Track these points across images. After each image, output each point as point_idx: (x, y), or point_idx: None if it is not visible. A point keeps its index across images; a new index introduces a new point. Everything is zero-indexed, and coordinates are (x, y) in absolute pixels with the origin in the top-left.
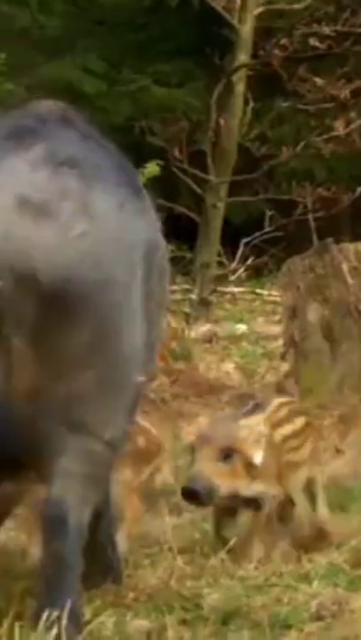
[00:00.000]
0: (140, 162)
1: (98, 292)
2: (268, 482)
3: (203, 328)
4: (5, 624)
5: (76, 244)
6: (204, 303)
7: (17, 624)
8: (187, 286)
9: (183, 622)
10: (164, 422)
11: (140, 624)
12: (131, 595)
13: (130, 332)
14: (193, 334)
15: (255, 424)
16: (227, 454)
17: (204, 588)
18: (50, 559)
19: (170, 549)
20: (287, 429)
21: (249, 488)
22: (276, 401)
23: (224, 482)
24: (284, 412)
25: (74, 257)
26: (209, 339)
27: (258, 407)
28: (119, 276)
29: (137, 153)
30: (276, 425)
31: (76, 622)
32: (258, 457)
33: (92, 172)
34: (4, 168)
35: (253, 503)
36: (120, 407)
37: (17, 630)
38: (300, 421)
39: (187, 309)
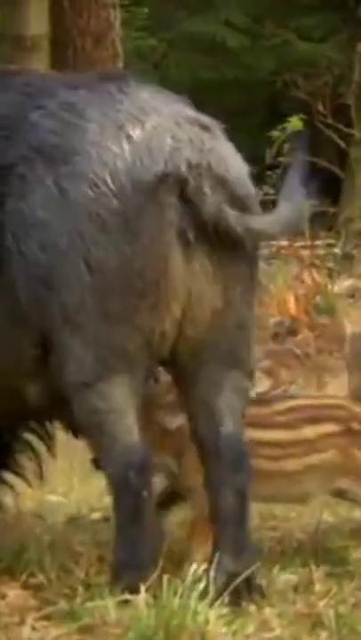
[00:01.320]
0: (282, 116)
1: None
2: None
3: (346, 283)
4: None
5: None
6: (348, 258)
7: (165, 577)
8: (330, 241)
9: (330, 576)
10: (308, 377)
11: (287, 578)
12: (278, 548)
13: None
14: (336, 289)
15: None
16: None
17: (350, 542)
18: (233, 495)
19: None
20: None
21: None
22: None
23: None
24: None
25: (246, 173)
26: (352, 293)
27: None
28: None
29: (280, 107)
30: None
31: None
32: None
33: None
34: (144, 96)
35: None
36: (255, 342)
37: (165, 583)
38: None
39: (330, 264)
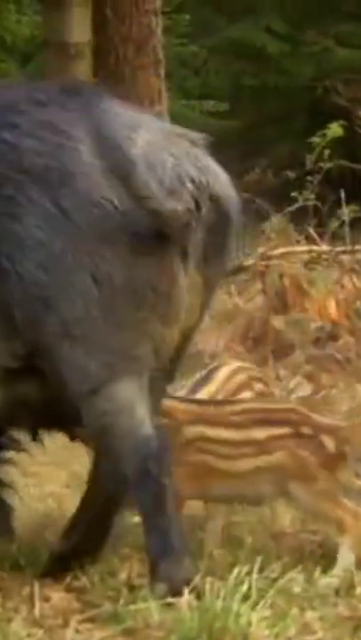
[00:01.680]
0: (322, 123)
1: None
2: None
3: None
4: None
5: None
6: None
7: (208, 579)
8: None
9: None
10: (348, 381)
11: (328, 581)
12: (319, 552)
13: None
14: None
15: None
16: None
17: None
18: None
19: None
20: None
21: None
22: None
23: None
24: None
25: (232, 187)
26: None
27: None
28: None
29: (320, 113)
30: None
31: None
32: None
33: None
34: (122, 111)
35: None
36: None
37: (207, 585)
38: None
39: None
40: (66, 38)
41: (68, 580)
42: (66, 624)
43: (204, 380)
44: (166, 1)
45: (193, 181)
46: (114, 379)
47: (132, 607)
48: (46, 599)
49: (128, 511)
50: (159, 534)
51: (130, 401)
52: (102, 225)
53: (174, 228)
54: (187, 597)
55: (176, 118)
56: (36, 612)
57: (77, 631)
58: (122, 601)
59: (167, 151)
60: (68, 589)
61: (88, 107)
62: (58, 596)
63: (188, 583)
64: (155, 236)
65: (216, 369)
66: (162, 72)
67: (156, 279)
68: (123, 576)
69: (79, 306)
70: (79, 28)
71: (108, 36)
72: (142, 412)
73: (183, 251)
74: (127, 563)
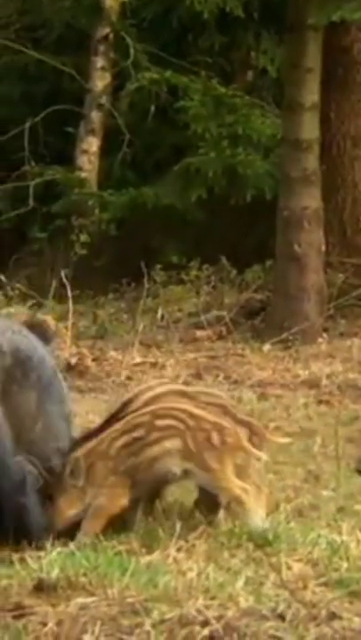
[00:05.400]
0: None
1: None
2: None
3: None
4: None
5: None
6: None
7: None
8: None
9: None
10: None
11: None
12: None
13: None
14: None
15: None
16: None
17: None
18: None
19: None
20: None
21: None
22: None
23: None
24: None
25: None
26: None
27: None
28: None
29: None
30: None
31: None
32: None
33: None
34: None
35: None
36: None
37: None
38: None
39: None
40: (299, 135)
41: (305, 553)
42: (305, 587)
43: None
44: None
45: None
46: None
47: (355, 575)
48: (289, 567)
49: None
50: None
51: None
52: None
53: None
54: None
55: None
56: (283, 576)
57: (314, 593)
58: (346, 571)
59: None
60: (305, 561)
61: None
62: (297, 565)
63: None
64: None
65: None
66: None
67: None
68: (352, 551)
69: None
70: (309, 128)
71: (331, 133)
72: None
73: None
74: (351, 541)
